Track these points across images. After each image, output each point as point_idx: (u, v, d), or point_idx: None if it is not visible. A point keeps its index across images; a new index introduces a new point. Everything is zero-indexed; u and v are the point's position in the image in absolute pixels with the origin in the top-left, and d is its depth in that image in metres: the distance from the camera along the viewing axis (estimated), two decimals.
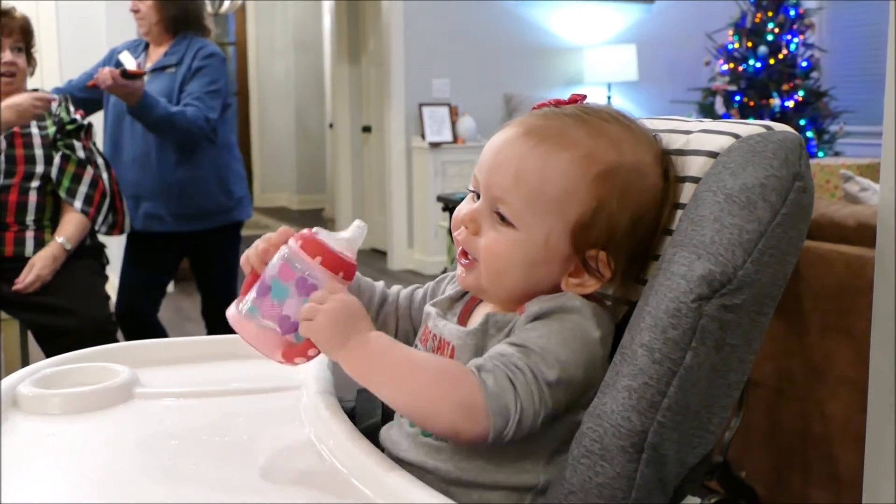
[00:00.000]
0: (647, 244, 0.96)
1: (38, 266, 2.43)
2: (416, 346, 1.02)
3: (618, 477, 0.86)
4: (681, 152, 1.01)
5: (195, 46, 3.01)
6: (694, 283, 0.87)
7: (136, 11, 3.03)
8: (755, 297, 0.88)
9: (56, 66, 4.99)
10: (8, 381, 1.08)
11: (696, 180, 0.97)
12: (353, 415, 1.10)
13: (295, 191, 10.06)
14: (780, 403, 2.05)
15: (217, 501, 0.83)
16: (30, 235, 2.52)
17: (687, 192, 0.98)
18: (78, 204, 2.54)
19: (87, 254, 2.64)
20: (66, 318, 2.42)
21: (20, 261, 2.47)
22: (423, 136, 5.74)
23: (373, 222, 6.73)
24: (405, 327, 1.11)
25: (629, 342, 0.91)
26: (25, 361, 2.55)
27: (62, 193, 2.53)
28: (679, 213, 0.96)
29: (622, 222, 0.92)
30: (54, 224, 2.58)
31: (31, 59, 2.68)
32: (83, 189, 2.56)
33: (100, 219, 2.61)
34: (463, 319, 1.01)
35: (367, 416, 1.10)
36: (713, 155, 0.97)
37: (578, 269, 0.94)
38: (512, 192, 0.92)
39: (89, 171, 2.59)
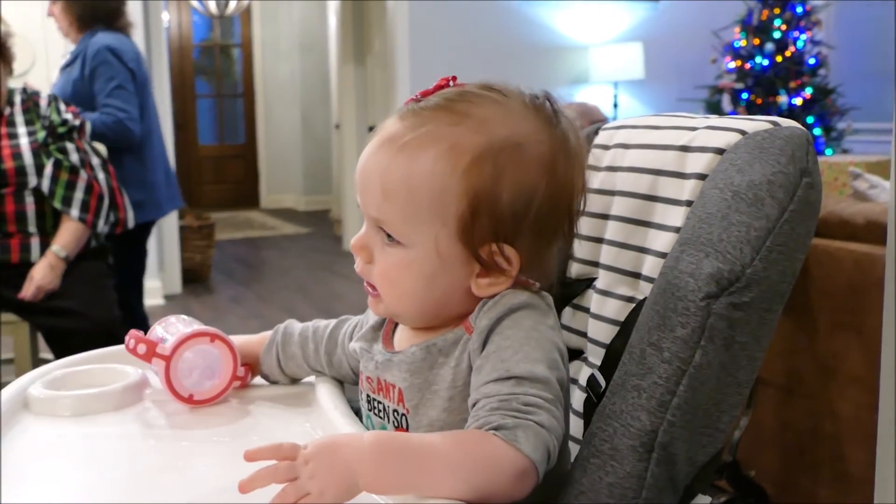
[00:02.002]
0: (557, 216, 0.88)
1: (37, 278, 2.44)
2: (360, 392, 0.98)
3: (628, 476, 0.86)
4: (686, 149, 1.01)
5: (88, 44, 3.06)
6: (702, 281, 0.87)
7: (51, 15, 3.08)
8: (764, 295, 0.88)
9: None
10: (18, 383, 1.08)
11: (702, 177, 0.97)
12: (359, 414, 1.10)
13: (301, 192, 10.07)
14: (790, 402, 2.04)
15: (228, 502, 0.83)
16: (35, 242, 2.52)
17: (693, 189, 0.97)
18: (75, 212, 2.52)
19: (94, 256, 2.65)
20: (75, 320, 2.43)
21: (27, 266, 2.48)
22: None
23: None
24: (355, 365, 1.04)
25: (637, 341, 0.90)
26: (35, 364, 2.56)
27: (57, 204, 2.51)
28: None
29: (507, 207, 0.84)
30: (119, 219, 2.67)
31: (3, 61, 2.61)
32: (79, 195, 2.54)
33: (100, 222, 2.60)
34: (387, 341, 0.96)
35: None
36: (720, 152, 0.97)
37: (484, 268, 0.87)
38: (385, 208, 0.86)
39: (83, 175, 2.56)
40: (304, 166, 10.02)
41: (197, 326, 1.08)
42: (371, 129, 6.71)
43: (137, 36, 5.07)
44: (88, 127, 2.71)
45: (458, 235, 0.85)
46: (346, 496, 0.73)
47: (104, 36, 3.11)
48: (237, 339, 1.10)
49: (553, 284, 0.94)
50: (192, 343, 1.04)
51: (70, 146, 2.58)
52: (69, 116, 2.62)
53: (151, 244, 5.19)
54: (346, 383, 1.09)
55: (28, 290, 2.43)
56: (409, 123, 0.88)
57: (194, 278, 5.76)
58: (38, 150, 2.52)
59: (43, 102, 2.62)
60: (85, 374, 1.13)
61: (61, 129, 2.58)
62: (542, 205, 0.86)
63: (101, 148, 2.92)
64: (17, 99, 2.62)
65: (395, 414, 0.92)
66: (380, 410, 0.95)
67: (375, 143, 0.89)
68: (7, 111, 2.59)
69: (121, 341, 2.47)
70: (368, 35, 6.72)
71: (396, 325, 0.97)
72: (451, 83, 0.92)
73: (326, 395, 1.03)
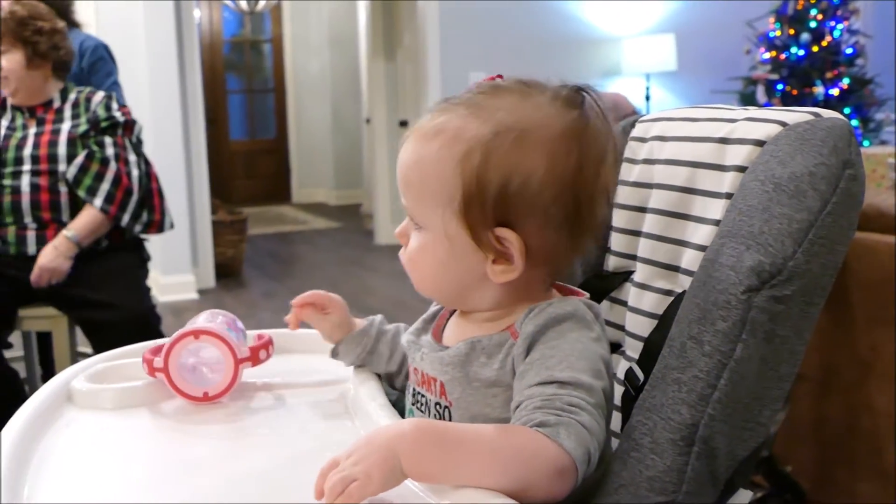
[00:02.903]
0: (564, 202, 0.87)
1: (42, 260, 2.45)
2: (408, 386, 1.00)
3: (668, 470, 0.86)
4: (725, 141, 1.00)
5: (82, 40, 3.12)
6: (743, 274, 0.86)
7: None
8: (805, 288, 0.87)
9: None
10: (62, 376, 1.10)
11: (742, 169, 0.96)
12: (396, 406, 1.10)
13: (333, 186, 10.11)
14: (826, 397, 2.02)
15: (265, 494, 0.84)
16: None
17: (733, 182, 0.97)
18: (98, 202, 2.53)
19: (129, 248, 2.68)
20: (110, 312, 2.45)
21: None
22: None
23: None
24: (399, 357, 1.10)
25: (678, 335, 0.90)
26: (74, 358, 2.59)
27: (82, 192, 2.52)
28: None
29: (499, 189, 0.85)
30: (153, 221, 2.68)
31: (35, 54, 2.60)
32: (105, 186, 2.55)
33: (125, 216, 2.60)
34: (437, 334, 0.98)
35: (403, 409, 1.10)
36: (760, 143, 0.96)
37: (495, 255, 0.88)
38: (406, 195, 0.91)
39: (112, 167, 2.57)
40: (334, 161, 10.06)
41: (216, 321, 1.10)
42: (402, 123, 6.72)
43: (169, 32, 5.13)
44: (139, 127, 2.74)
45: (461, 220, 0.87)
46: (391, 478, 0.74)
47: (80, 33, 3.22)
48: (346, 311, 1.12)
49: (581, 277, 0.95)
50: (180, 347, 1.05)
51: (108, 140, 2.60)
52: (117, 114, 2.65)
53: (185, 238, 5.25)
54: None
55: (33, 273, 2.44)
56: (433, 115, 0.91)
57: (227, 273, 5.80)
58: (75, 140, 2.56)
59: (96, 98, 2.66)
60: (127, 368, 1.14)
61: (104, 124, 2.61)
62: (543, 189, 0.86)
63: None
64: (72, 95, 2.67)
65: (438, 407, 0.92)
66: (422, 404, 0.96)
67: (405, 140, 0.93)
68: (57, 104, 2.64)
69: (155, 331, 2.49)
70: (398, 30, 6.73)
71: (447, 320, 0.99)
72: (495, 80, 0.94)
73: (365, 391, 1.03)
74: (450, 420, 0.91)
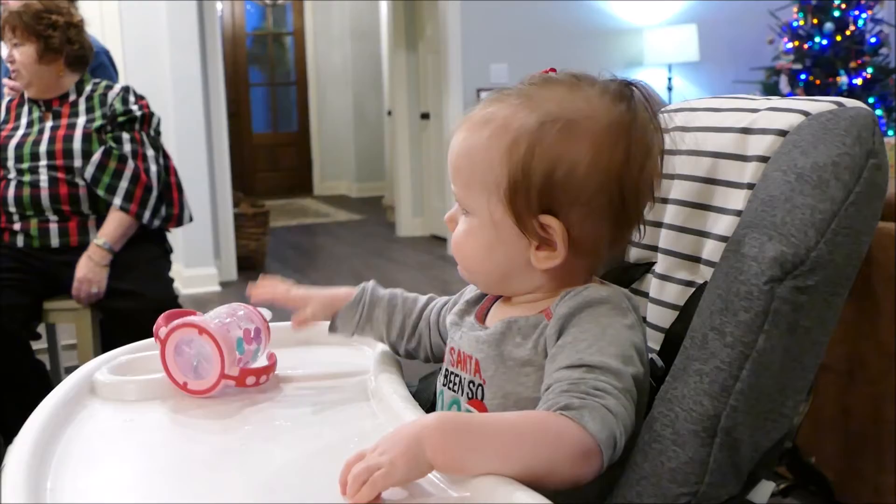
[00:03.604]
0: (608, 192, 0.88)
1: (80, 273, 2.47)
2: (441, 368, 1.02)
3: (690, 462, 0.85)
4: (747, 131, 0.99)
5: None
6: (766, 264, 0.86)
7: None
8: (829, 279, 0.86)
9: (120, 63, 5.08)
10: (85, 368, 1.11)
11: (764, 159, 0.95)
12: (416, 398, 1.10)
13: (354, 179, 10.13)
14: (851, 388, 2.01)
15: (291, 486, 0.84)
16: (91, 224, 2.57)
17: (755, 172, 0.96)
18: (118, 201, 2.54)
19: (151, 238, 2.68)
20: (133, 301, 2.47)
21: (86, 249, 2.53)
22: None
23: (432, 209, 6.74)
24: (436, 340, 1.12)
25: (699, 326, 0.90)
26: (97, 350, 2.61)
27: (101, 191, 2.53)
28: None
29: (544, 178, 0.87)
30: (172, 215, 2.70)
31: (48, 48, 2.60)
32: (123, 185, 2.55)
33: (146, 213, 2.60)
34: (480, 317, 1.00)
35: (425, 400, 1.11)
36: (782, 133, 0.95)
37: (539, 241, 0.90)
38: (455, 182, 0.94)
39: (130, 165, 2.57)
40: (356, 153, 10.07)
41: (229, 320, 1.08)
42: (423, 115, 6.72)
43: (192, 26, 5.16)
44: (157, 119, 2.74)
45: (506, 206, 0.89)
46: (415, 468, 0.75)
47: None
48: (322, 291, 1.14)
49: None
50: (182, 332, 1.04)
51: (126, 136, 2.60)
52: (135, 107, 2.65)
53: (207, 231, 5.28)
54: (416, 359, 1.15)
55: (74, 288, 2.47)
56: (484, 105, 0.94)
57: (249, 265, 5.82)
58: (91, 135, 2.56)
59: (112, 92, 2.66)
60: (150, 360, 1.15)
61: (121, 119, 2.61)
62: (587, 179, 0.87)
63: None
64: (88, 88, 2.68)
65: (471, 385, 0.94)
66: (454, 384, 0.97)
67: (457, 129, 0.96)
68: (73, 97, 2.65)
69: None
70: (420, 20, 6.72)
71: (492, 304, 1.00)
72: (548, 73, 0.96)
73: (387, 383, 1.04)
74: (482, 398, 0.92)
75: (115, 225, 2.54)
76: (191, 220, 2.85)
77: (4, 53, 2.63)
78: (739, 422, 0.85)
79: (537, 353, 0.89)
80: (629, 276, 1.15)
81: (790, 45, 5.70)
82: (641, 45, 6.07)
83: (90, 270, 2.48)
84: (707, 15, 6.11)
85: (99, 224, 2.57)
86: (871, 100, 5.48)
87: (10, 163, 2.55)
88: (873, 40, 5.61)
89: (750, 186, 0.96)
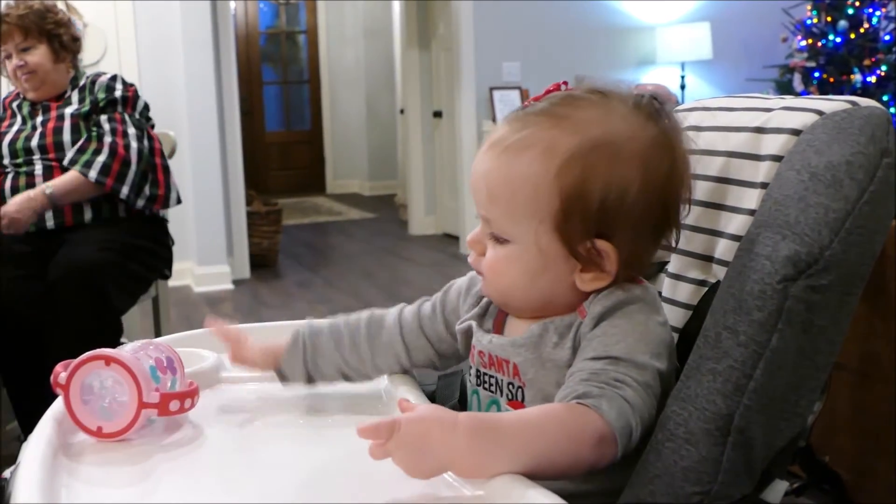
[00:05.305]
0: (654, 211, 0.90)
1: (8, 207, 2.37)
2: (469, 368, 1.01)
3: (703, 461, 0.85)
4: (761, 130, 0.99)
5: None
6: (779, 263, 0.86)
7: None
8: (843, 278, 0.86)
9: (134, 62, 5.12)
10: None
11: (777, 159, 0.95)
12: (433, 398, 1.11)
13: (367, 177, 10.13)
14: (865, 387, 2.00)
15: (301, 484, 0.84)
16: (87, 205, 2.56)
17: (768, 171, 0.96)
18: (93, 174, 2.48)
19: (143, 219, 2.66)
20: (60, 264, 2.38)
21: (82, 227, 2.54)
22: (494, 121, 5.72)
23: (444, 207, 6.75)
24: (417, 344, 1.07)
25: (712, 325, 0.90)
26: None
27: (78, 168, 2.48)
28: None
29: (599, 203, 0.87)
30: (157, 196, 2.65)
31: (61, 46, 2.63)
32: (100, 159, 2.50)
33: (124, 188, 2.53)
34: (498, 328, 0.99)
35: (446, 399, 1.11)
36: (796, 132, 0.95)
37: (587, 264, 0.90)
38: (492, 209, 0.91)
39: (107, 140, 2.53)
40: (369, 151, 10.08)
41: (140, 353, 0.97)
42: (436, 113, 6.73)
43: (205, 24, 5.17)
44: (141, 104, 2.71)
45: (555, 233, 0.88)
46: (423, 476, 0.76)
47: None
48: (263, 341, 1.07)
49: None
50: (87, 368, 0.93)
51: (104, 118, 2.59)
52: (118, 91, 2.63)
53: (220, 229, 5.30)
54: (382, 374, 1.08)
55: None
56: (513, 128, 0.91)
57: (262, 263, 5.84)
58: (79, 125, 2.57)
59: (100, 80, 2.66)
60: None
61: (102, 103, 2.61)
62: (637, 200, 0.88)
63: (171, 134, 2.98)
64: (81, 82, 2.70)
65: (510, 387, 0.94)
66: (491, 385, 0.97)
67: (484, 147, 0.93)
68: (67, 93, 2.67)
69: (99, 289, 2.36)
70: (433, 19, 6.72)
71: (506, 315, 0.99)
72: (561, 87, 0.95)
73: (402, 386, 1.04)
74: (522, 399, 0.93)
75: (68, 179, 2.48)
76: (179, 202, 2.79)
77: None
78: (753, 421, 0.85)
79: (575, 354, 0.89)
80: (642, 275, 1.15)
81: (804, 43, 5.67)
82: (654, 43, 6.05)
83: (19, 206, 2.39)
84: (720, 13, 6.09)
85: (94, 203, 2.56)
86: (885, 97, 5.45)
87: (7, 160, 2.58)
88: (887, 38, 5.58)
89: (763, 186, 0.96)
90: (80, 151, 2.54)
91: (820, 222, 0.86)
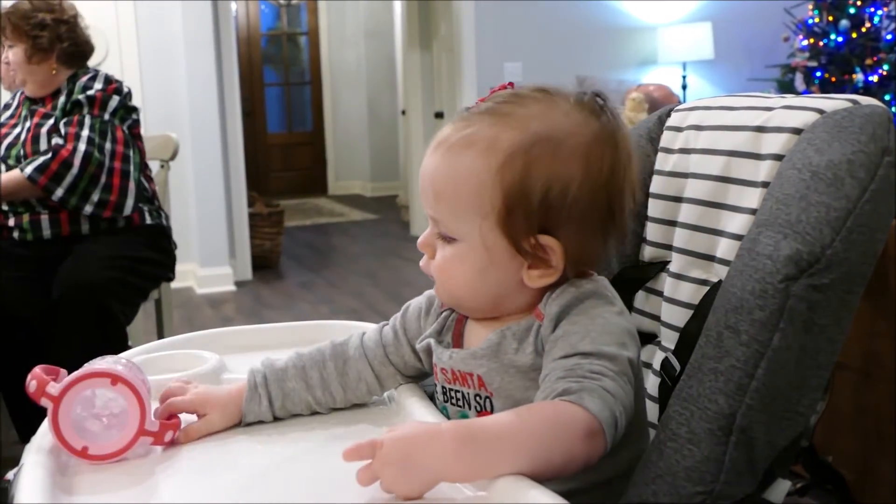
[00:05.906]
0: (599, 207, 0.89)
1: None
2: (436, 385, 0.99)
3: (706, 460, 0.85)
4: (762, 129, 0.99)
5: None
6: (781, 263, 0.86)
7: None
8: (844, 277, 0.86)
9: (136, 64, 5.12)
10: None
11: (778, 158, 0.95)
12: (433, 399, 1.10)
13: (369, 178, 10.14)
14: (868, 386, 2.00)
15: (306, 483, 0.84)
16: (84, 217, 2.53)
17: (769, 170, 0.96)
18: (28, 170, 2.42)
19: (141, 232, 2.62)
20: (64, 283, 2.36)
21: (78, 238, 2.52)
22: None
23: None
24: (387, 373, 1.04)
25: (714, 324, 0.89)
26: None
27: (21, 170, 2.43)
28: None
29: (541, 198, 0.86)
30: (108, 201, 2.52)
31: (38, 49, 2.58)
32: (39, 158, 2.45)
33: (59, 190, 2.44)
34: (457, 341, 0.97)
35: None
36: (797, 131, 0.95)
37: (533, 260, 0.89)
38: (438, 208, 0.90)
39: (55, 142, 2.47)
40: (370, 153, 10.08)
41: (119, 367, 0.90)
42: (437, 114, 6.73)
43: (206, 26, 5.18)
44: (113, 103, 2.60)
45: (500, 229, 0.88)
46: (416, 493, 0.75)
47: None
48: (216, 392, 1.00)
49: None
50: (89, 384, 0.87)
51: (64, 120, 2.54)
52: (89, 91, 2.57)
53: (222, 231, 5.30)
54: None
55: None
56: (457, 127, 0.91)
57: (264, 265, 5.84)
58: (59, 130, 2.53)
59: (81, 80, 2.61)
60: (165, 360, 1.16)
61: (69, 106, 2.56)
62: (580, 195, 0.87)
63: (173, 136, 2.97)
64: (75, 85, 2.64)
65: (478, 398, 0.93)
66: (458, 399, 0.95)
67: (431, 147, 0.93)
68: (63, 93, 2.62)
69: (104, 308, 2.36)
70: (434, 20, 6.72)
71: (464, 326, 0.98)
72: (507, 88, 0.94)
73: (406, 388, 1.03)
74: (492, 409, 0.91)
75: (8, 176, 2.45)
76: (134, 210, 2.60)
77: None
78: (755, 420, 0.85)
79: (539, 356, 0.88)
80: (644, 274, 1.15)
81: (805, 43, 5.67)
82: (656, 43, 6.04)
83: None
84: (722, 13, 6.08)
85: (93, 215, 2.52)
86: (887, 97, 5.45)
87: (2, 166, 2.57)
88: (889, 37, 5.57)
89: (764, 185, 0.96)
90: (34, 153, 2.53)
91: (821, 221, 0.86)
